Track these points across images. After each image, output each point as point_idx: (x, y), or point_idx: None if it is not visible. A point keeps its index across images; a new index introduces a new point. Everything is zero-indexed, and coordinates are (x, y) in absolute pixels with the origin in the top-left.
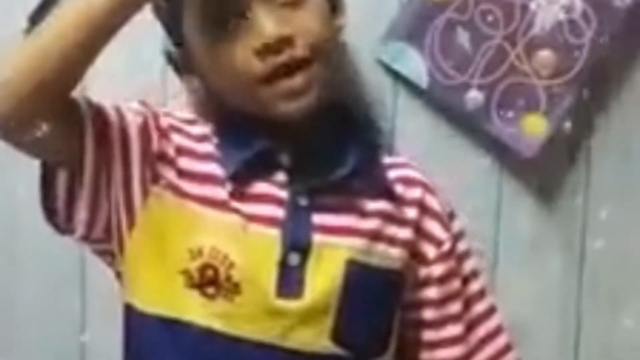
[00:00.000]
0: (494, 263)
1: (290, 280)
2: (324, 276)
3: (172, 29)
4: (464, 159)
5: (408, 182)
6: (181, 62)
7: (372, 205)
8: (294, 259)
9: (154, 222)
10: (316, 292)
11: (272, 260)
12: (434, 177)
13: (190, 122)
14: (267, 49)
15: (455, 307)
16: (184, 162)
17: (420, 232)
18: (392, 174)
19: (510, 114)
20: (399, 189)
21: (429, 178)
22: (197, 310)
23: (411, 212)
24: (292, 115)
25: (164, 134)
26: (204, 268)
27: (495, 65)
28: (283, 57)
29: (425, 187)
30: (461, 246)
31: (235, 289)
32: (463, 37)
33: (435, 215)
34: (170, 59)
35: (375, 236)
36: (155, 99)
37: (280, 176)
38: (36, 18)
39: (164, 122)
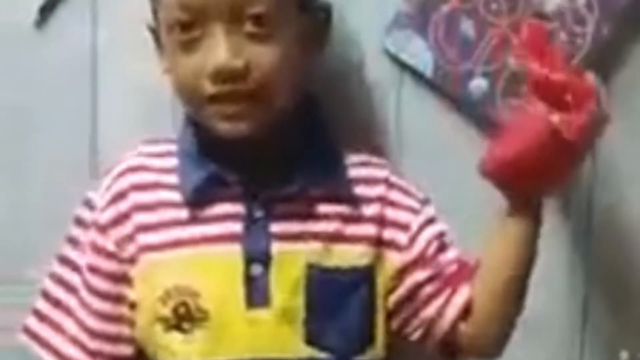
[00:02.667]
0: None
1: (257, 290)
2: (287, 283)
3: (153, 9)
4: (469, 146)
5: (370, 181)
6: (159, 43)
7: (329, 208)
8: (256, 269)
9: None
10: (282, 298)
11: (237, 275)
12: (439, 164)
13: (160, 155)
14: (216, 76)
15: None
16: (142, 219)
17: (386, 223)
18: (354, 173)
19: (514, 101)
20: (360, 189)
21: (434, 165)
22: (179, 349)
23: (373, 209)
24: (230, 135)
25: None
26: (176, 308)
27: (499, 53)
28: (228, 87)
29: (388, 183)
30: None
31: (206, 315)
32: (467, 25)
33: (400, 206)
34: (152, 33)
35: (333, 238)
36: None
37: (234, 193)
38: (47, 9)
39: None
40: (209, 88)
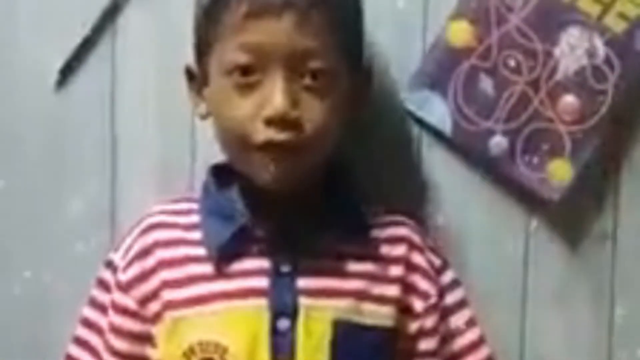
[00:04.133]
0: (523, 312)
1: (282, 345)
2: (313, 338)
3: (201, 51)
4: (489, 204)
5: (394, 240)
6: (197, 85)
7: (357, 266)
8: (283, 324)
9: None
10: (307, 354)
11: (263, 330)
12: (458, 223)
13: (184, 212)
14: (272, 121)
15: None
16: (167, 275)
17: (407, 288)
18: (379, 233)
19: (534, 159)
20: (385, 248)
21: (452, 225)
22: None
23: (397, 270)
24: (269, 187)
25: (144, 300)
26: None
27: (519, 110)
28: (282, 136)
29: (411, 244)
30: (451, 298)
31: None
32: (486, 83)
33: (420, 271)
34: (189, 75)
35: (361, 296)
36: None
37: (260, 247)
38: (66, 71)
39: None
40: (261, 132)
